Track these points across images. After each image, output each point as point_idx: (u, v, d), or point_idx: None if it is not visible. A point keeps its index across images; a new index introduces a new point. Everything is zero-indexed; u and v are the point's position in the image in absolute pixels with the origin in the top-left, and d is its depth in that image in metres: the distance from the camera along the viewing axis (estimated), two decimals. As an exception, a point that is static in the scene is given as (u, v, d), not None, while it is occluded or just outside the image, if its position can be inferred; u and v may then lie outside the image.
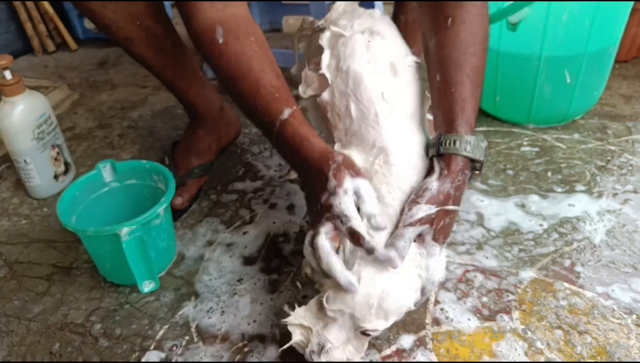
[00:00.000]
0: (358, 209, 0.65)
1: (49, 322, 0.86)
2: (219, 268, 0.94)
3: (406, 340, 0.78)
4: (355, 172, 0.66)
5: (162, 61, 1.05)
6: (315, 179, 0.67)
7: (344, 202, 0.62)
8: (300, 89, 0.87)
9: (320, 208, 0.65)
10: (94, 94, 1.63)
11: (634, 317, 0.79)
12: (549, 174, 1.10)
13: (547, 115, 1.25)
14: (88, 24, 1.97)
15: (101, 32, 1.01)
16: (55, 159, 1.15)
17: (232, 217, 1.06)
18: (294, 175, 1.15)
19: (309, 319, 0.69)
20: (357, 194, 0.64)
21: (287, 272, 0.91)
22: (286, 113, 0.70)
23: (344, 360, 0.69)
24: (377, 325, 0.67)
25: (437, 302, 0.83)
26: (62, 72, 1.82)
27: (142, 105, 1.54)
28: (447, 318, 0.81)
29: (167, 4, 1.91)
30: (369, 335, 0.68)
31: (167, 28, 1.03)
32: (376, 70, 0.78)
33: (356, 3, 0.91)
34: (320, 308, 0.68)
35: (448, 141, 0.69)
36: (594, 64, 1.17)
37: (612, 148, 1.17)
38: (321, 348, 0.66)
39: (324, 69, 0.81)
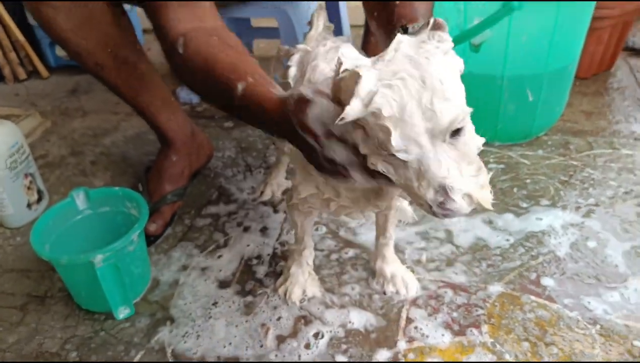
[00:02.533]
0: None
1: (24, 352, 0.86)
2: (193, 292, 0.95)
3: (381, 355, 0.79)
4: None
5: (133, 87, 1.06)
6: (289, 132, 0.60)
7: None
8: None
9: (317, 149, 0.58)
10: (66, 121, 1.63)
11: (598, 327, 0.82)
12: (515, 190, 1.14)
13: (512, 132, 1.28)
14: (59, 52, 1.97)
15: (72, 59, 1.02)
16: (28, 188, 1.15)
17: (207, 241, 1.07)
18: (266, 197, 1.17)
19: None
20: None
21: (262, 293, 0.93)
22: (240, 88, 0.64)
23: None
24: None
25: (408, 319, 0.85)
26: (33, 99, 1.81)
27: (114, 131, 1.54)
28: (420, 335, 0.82)
29: (138, 31, 1.92)
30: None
31: (137, 54, 1.05)
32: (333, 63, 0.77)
33: (329, 32, 0.94)
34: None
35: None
36: (554, 82, 1.22)
37: (575, 163, 1.21)
38: (445, 191, 0.51)
39: (289, 79, 0.84)
